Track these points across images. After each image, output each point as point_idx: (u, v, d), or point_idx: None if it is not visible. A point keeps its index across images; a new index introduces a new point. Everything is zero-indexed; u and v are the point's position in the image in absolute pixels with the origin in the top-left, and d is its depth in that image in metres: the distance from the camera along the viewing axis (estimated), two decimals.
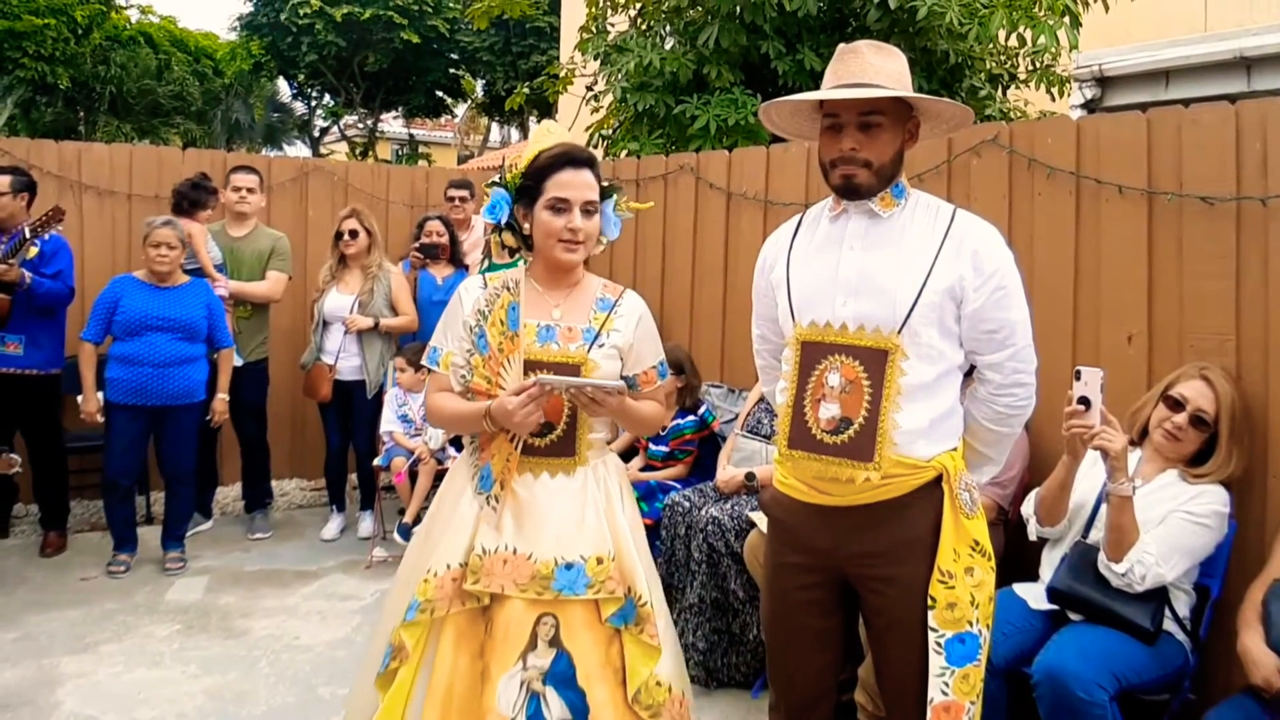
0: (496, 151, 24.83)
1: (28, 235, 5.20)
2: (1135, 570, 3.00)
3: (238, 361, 5.88)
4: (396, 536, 5.52)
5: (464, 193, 6.90)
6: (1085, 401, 2.87)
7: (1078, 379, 2.86)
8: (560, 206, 2.58)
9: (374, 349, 5.95)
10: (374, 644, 2.71)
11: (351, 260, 5.99)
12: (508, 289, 2.62)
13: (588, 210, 2.61)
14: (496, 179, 2.73)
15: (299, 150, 26.61)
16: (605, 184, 2.70)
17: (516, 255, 6.05)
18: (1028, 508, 3.45)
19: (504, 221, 2.70)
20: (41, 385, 5.53)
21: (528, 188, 2.64)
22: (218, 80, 22.00)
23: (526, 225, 2.67)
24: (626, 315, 2.72)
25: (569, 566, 2.52)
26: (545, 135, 2.72)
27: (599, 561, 2.54)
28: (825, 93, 2.44)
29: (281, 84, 26.66)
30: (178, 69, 20.44)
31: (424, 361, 2.77)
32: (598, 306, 2.71)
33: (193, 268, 5.67)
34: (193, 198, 5.93)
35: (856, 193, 2.45)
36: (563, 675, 2.46)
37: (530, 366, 2.56)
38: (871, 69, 2.40)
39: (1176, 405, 3.27)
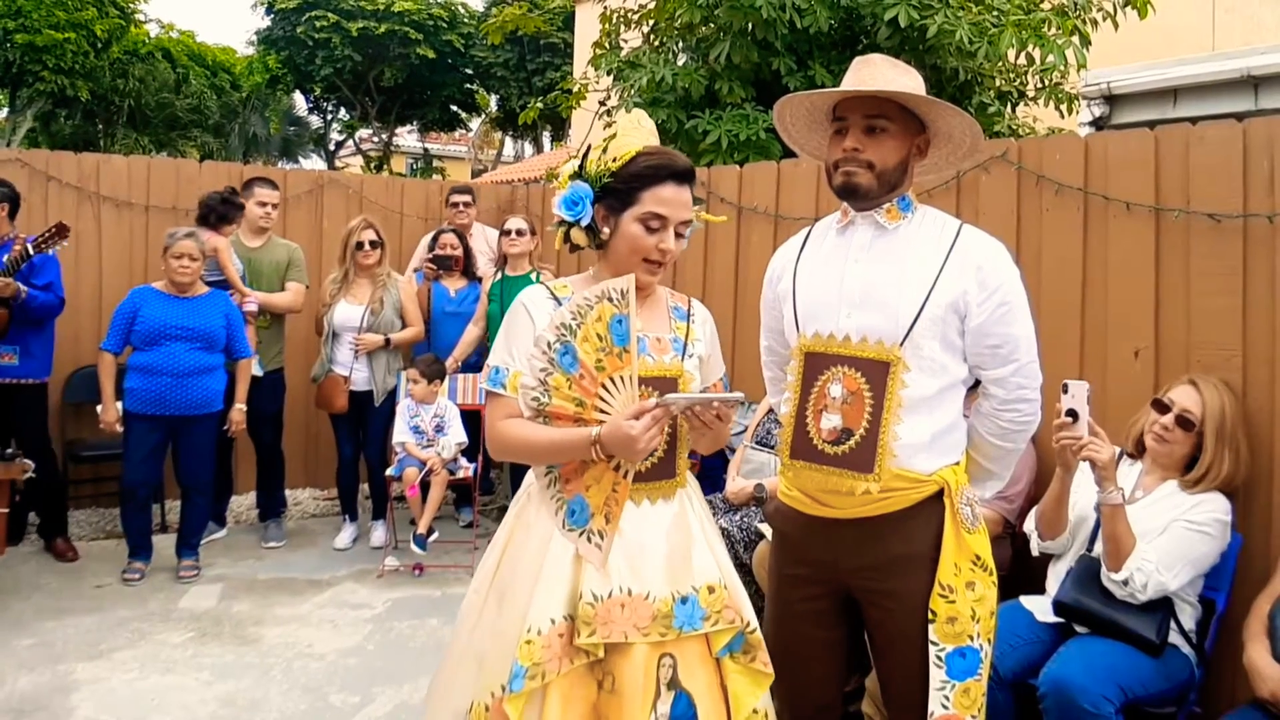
0: (510, 166, 24.93)
1: (30, 251, 5.24)
2: (1136, 578, 3.02)
3: (257, 371, 5.95)
4: (413, 546, 5.54)
5: (467, 198, 6.95)
6: (1073, 414, 2.90)
7: (1065, 392, 2.90)
8: (655, 225, 2.32)
9: (380, 359, 6.00)
10: None
11: (364, 271, 6.05)
12: (609, 300, 2.32)
13: (680, 232, 2.36)
14: (577, 168, 2.43)
15: (314, 163, 26.80)
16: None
17: (532, 268, 6.09)
18: (1030, 524, 3.48)
19: (585, 222, 2.40)
20: (33, 393, 5.57)
21: (618, 191, 2.35)
22: (235, 94, 22.16)
23: (605, 229, 2.39)
24: (702, 324, 2.52)
25: (684, 600, 2.28)
26: (634, 129, 2.43)
27: (710, 590, 2.31)
28: (836, 89, 2.46)
29: (298, 98, 26.87)
30: (195, 83, 20.62)
31: (485, 384, 2.43)
32: (675, 315, 2.48)
33: (213, 279, 5.75)
34: (221, 212, 5.99)
35: (856, 193, 2.45)
36: (683, 718, 2.23)
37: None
38: (883, 79, 2.43)
39: (1164, 409, 3.33)
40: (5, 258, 5.25)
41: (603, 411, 2.28)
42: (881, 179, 2.44)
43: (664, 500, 2.37)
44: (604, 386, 2.29)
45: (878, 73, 2.44)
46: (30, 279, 5.36)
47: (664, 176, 2.32)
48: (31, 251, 5.22)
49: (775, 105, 2.60)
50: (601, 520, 2.28)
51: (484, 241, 6.98)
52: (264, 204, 6.19)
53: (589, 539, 2.27)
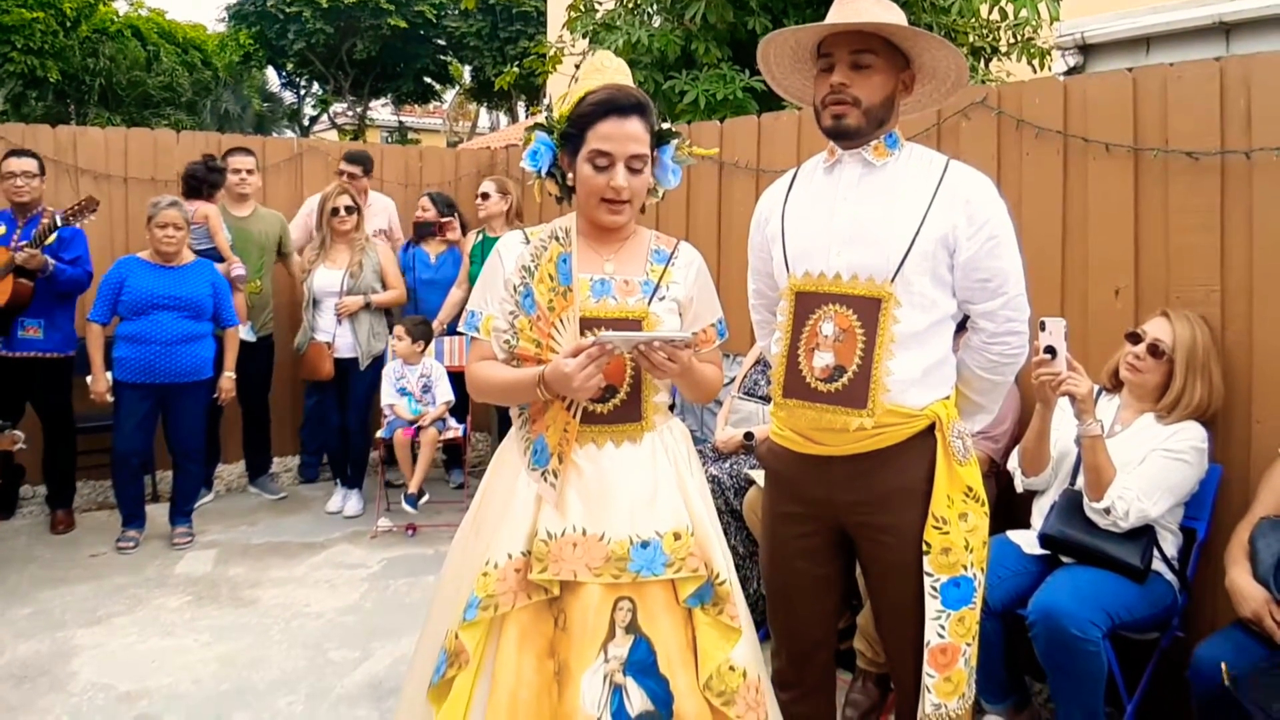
0: (485, 136, 24.83)
1: (58, 223, 5.28)
2: (1117, 506, 3.09)
3: (250, 336, 6.04)
4: (404, 505, 5.60)
5: (356, 168, 6.72)
6: (1051, 350, 2.96)
7: (1043, 329, 2.95)
8: (601, 163, 2.32)
9: (363, 323, 6.01)
10: (420, 653, 2.50)
11: (341, 237, 6.06)
12: (556, 239, 2.38)
13: (633, 167, 2.34)
14: (541, 120, 2.47)
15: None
16: (661, 128, 2.46)
17: (511, 229, 6.14)
18: (1013, 462, 3.55)
19: (545, 171, 2.43)
20: (58, 367, 5.61)
21: (570, 136, 2.37)
22: (207, 71, 21.96)
23: (570, 175, 2.41)
24: (684, 267, 2.53)
25: (645, 545, 2.28)
26: (596, 72, 2.44)
27: (676, 537, 2.31)
28: (822, 24, 2.44)
29: (270, 73, 26.66)
30: (166, 60, 20.38)
31: (461, 328, 2.49)
32: (653, 258, 2.49)
33: (202, 248, 5.79)
34: (208, 180, 6.08)
35: (846, 134, 2.45)
36: (642, 663, 2.23)
37: (586, 324, 2.32)
38: (868, 13, 2.41)
39: (1137, 340, 3.40)
40: (34, 230, 5.27)
41: (554, 352, 2.30)
42: (869, 116, 2.44)
43: (630, 443, 2.39)
44: (555, 326, 2.33)
45: (862, 7, 2.42)
46: (59, 253, 5.40)
47: (604, 112, 2.32)
48: (59, 223, 5.25)
49: (760, 44, 2.57)
50: (556, 460, 2.32)
51: (381, 210, 7.01)
52: (237, 170, 6.25)
53: (545, 478, 2.32)
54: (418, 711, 2.37)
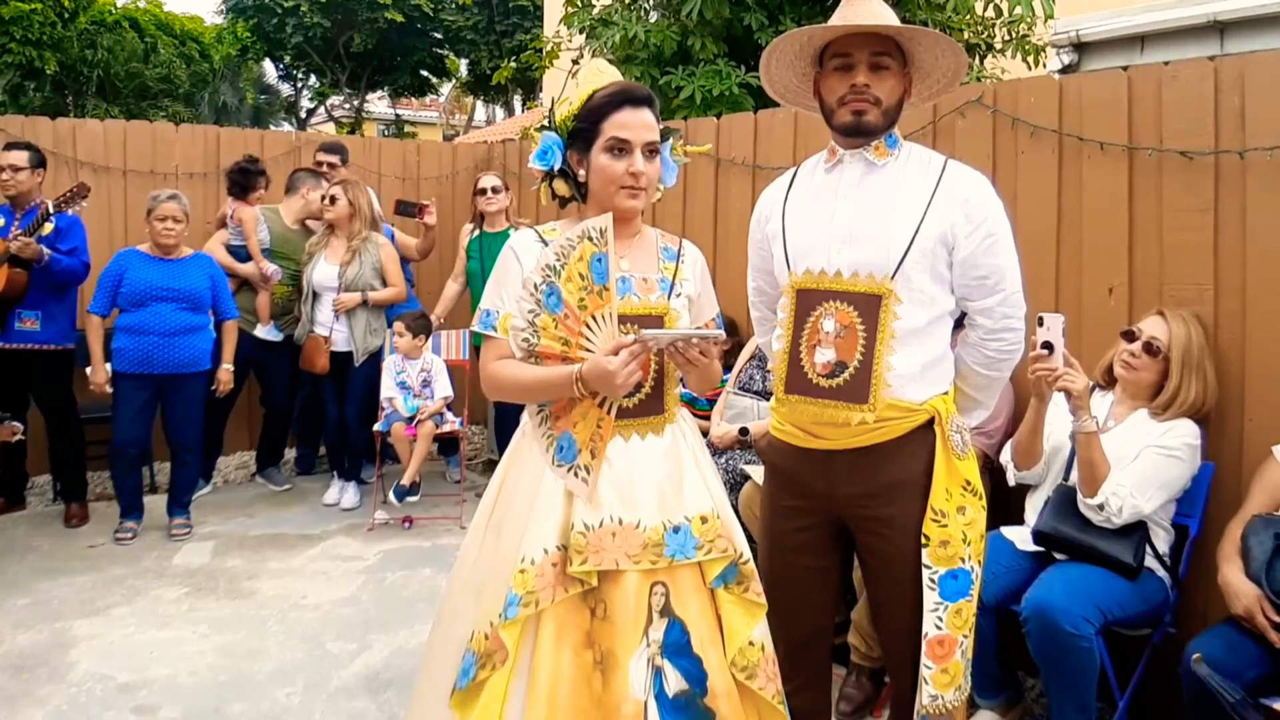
0: (482, 130, 24.82)
1: (50, 210, 5.26)
2: (1111, 502, 3.12)
3: (277, 336, 6.13)
4: (391, 498, 5.63)
5: (334, 158, 6.73)
6: (1048, 346, 2.98)
7: (1041, 325, 2.98)
8: (620, 149, 2.37)
9: (360, 318, 6.00)
10: (434, 658, 2.50)
11: (337, 229, 6.07)
12: (589, 239, 2.36)
13: (649, 153, 2.40)
14: (545, 122, 2.51)
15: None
16: (661, 126, 2.48)
17: (510, 224, 6.14)
18: (1006, 455, 3.57)
19: (557, 168, 2.47)
20: (57, 359, 5.59)
21: (582, 130, 2.42)
22: (204, 63, 21.96)
23: (581, 172, 2.44)
24: (692, 264, 2.58)
25: (676, 530, 2.34)
26: (597, 75, 2.50)
27: (703, 520, 2.38)
28: (846, 24, 2.46)
29: (268, 66, 26.68)
30: (164, 52, 20.40)
31: (475, 326, 2.49)
32: (664, 256, 2.54)
33: (237, 244, 5.96)
34: (241, 182, 6.15)
35: (863, 131, 2.49)
36: (677, 644, 2.30)
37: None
38: (885, 16, 2.46)
39: (1133, 338, 3.42)
40: (30, 222, 5.27)
41: (586, 349, 2.33)
42: (887, 115, 2.50)
43: (653, 435, 2.42)
44: (587, 325, 2.34)
45: (875, 9, 2.47)
46: (55, 244, 5.40)
47: (619, 102, 2.38)
48: (52, 210, 5.24)
49: (775, 41, 2.58)
50: (587, 455, 2.34)
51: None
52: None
53: (576, 474, 2.34)
54: (440, 716, 2.37)
